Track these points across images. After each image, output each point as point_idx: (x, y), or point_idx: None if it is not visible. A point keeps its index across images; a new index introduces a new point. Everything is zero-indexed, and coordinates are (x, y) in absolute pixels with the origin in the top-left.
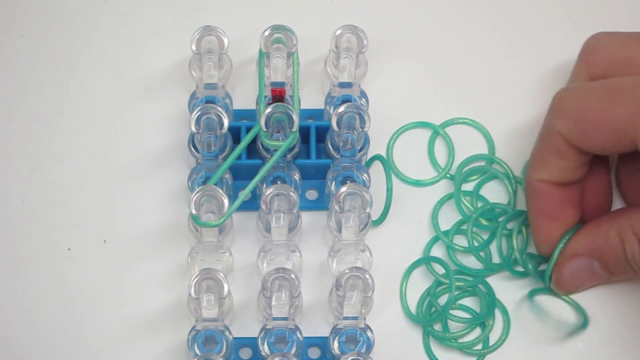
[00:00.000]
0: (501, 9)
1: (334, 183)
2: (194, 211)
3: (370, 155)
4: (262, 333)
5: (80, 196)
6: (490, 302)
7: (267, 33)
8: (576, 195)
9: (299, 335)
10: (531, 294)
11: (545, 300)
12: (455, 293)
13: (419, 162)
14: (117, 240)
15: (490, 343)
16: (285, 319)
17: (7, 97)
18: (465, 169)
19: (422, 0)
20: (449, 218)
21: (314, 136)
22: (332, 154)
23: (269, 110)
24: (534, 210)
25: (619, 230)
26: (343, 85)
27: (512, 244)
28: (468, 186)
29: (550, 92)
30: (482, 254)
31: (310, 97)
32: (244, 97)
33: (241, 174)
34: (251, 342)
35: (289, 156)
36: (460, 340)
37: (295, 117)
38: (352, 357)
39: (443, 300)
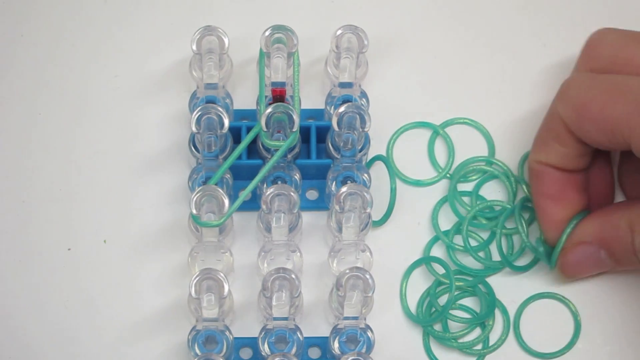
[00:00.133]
0: (501, 9)
1: (334, 183)
2: (194, 211)
3: (370, 155)
4: (263, 333)
5: (80, 196)
6: (490, 302)
7: (267, 33)
8: (579, 181)
9: (299, 335)
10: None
11: (543, 305)
12: (455, 293)
13: (419, 162)
14: (117, 240)
15: (490, 343)
16: (285, 319)
17: (7, 97)
18: (463, 170)
19: (423, 1)
20: (449, 218)
21: (315, 136)
22: (332, 154)
23: (269, 110)
24: (536, 192)
25: (629, 221)
26: (343, 85)
27: (519, 233)
28: (468, 186)
29: (550, 92)
30: (481, 254)
31: (310, 97)
32: (245, 97)
33: (241, 174)
34: (251, 342)
35: (289, 156)
36: (460, 340)
37: (296, 117)
38: (353, 357)
39: (443, 300)
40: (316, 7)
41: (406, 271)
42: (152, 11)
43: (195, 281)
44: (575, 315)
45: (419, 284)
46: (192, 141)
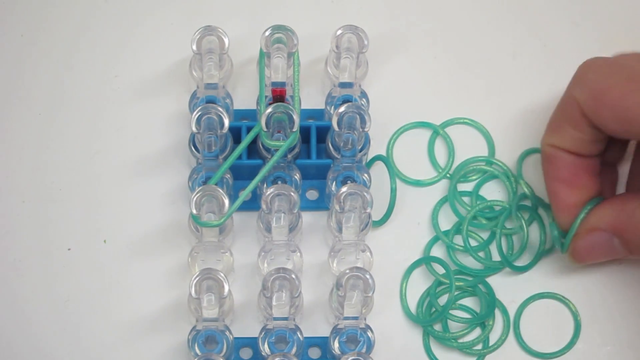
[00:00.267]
0: (501, 10)
1: (334, 183)
2: (194, 211)
3: (370, 155)
4: (263, 333)
5: (80, 196)
6: (490, 302)
7: (267, 33)
8: (592, 166)
9: (299, 335)
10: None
11: (543, 305)
12: (455, 293)
13: (419, 162)
14: (117, 240)
15: (490, 343)
16: (285, 319)
17: (7, 97)
18: (463, 170)
19: (423, 1)
20: (449, 218)
21: (315, 136)
22: (332, 154)
23: (269, 110)
24: (549, 176)
25: None
26: (344, 85)
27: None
28: (468, 186)
29: (550, 92)
30: (481, 254)
31: (310, 97)
32: (245, 97)
33: (242, 174)
34: (251, 342)
35: (289, 156)
36: (460, 340)
37: (296, 117)
38: (353, 357)
39: (443, 300)
40: (316, 7)
41: (406, 271)
42: (152, 11)
43: (195, 281)
44: (575, 315)
45: (419, 284)
46: (192, 141)
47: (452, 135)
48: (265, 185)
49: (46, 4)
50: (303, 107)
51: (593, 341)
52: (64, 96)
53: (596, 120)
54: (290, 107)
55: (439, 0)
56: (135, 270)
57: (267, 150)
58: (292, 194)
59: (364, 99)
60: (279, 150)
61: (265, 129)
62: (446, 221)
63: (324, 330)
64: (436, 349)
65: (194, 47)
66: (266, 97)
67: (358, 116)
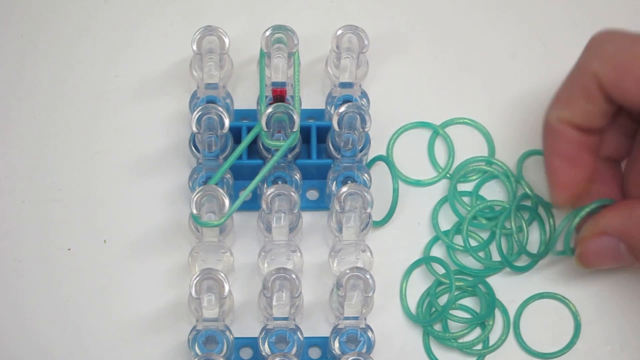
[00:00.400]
0: (501, 10)
1: (334, 183)
2: (194, 211)
3: (370, 155)
4: (263, 333)
5: (80, 196)
6: (490, 302)
7: (268, 33)
8: (595, 144)
9: (299, 335)
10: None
11: (543, 305)
12: (455, 293)
13: (419, 162)
14: (117, 240)
15: (490, 343)
16: (285, 319)
17: (7, 97)
18: (463, 170)
19: (423, 1)
20: (449, 218)
21: (315, 136)
22: (332, 154)
23: (269, 110)
24: (550, 151)
25: None
26: (344, 85)
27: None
28: (468, 186)
29: (551, 92)
30: (481, 254)
31: (311, 97)
32: (245, 97)
33: (242, 174)
34: (252, 342)
35: (289, 156)
36: (460, 340)
37: (296, 117)
38: (353, 357)
39: (443, 300)
40: (317, 7)
41: (406, 271)
42: (152, 11)
43: (195, 281)
44: (575, 315)
45: (419, 284)
46: (193, 141)
47: (452, 135)
48: (265, 185)
49: (46, 4)
50: (303, 107)
51: (593, 341)
52: (64, 96)
53: (617, 93)
54: (291, 107)
55: (439, 0)
56: (135, 270)
57: (268, 150)
58: (293, 194)
59: (364, 99)
60: (280, 150)
61: (265, 129)
62: (446, 221)
63: (324, 330)
64: (436, 349)
65: (195, 47)
66: (266, 97)
67: (358, 116)
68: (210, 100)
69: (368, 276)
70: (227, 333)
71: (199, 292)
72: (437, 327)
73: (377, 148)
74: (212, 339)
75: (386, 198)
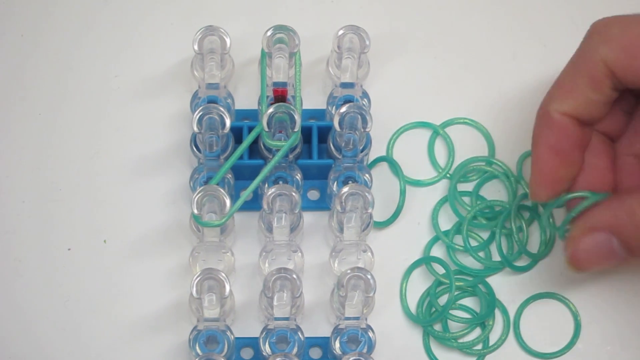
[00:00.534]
0: (501, 10)
1: (335, 183)
2: (195, 211)
3: (370, 154)
4: (264, 333)
5: (80, 196)
6: (490, 302)
7: (269, 33)
8: (587, 140)
9: (300, 336)
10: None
11: (543, 305)
12: (455, 293)
13: (419, 162)
14: (117, 240)
15: (490, 343)
16: (286, 319)
17: (7, 97)
18: (463, 170)
19: (423, 1)
20: (449, 218)
21: (316, 136)
22: (334, 154)
23: (271, 110)
24: (544, 144)
25: None
26: (345, 85)
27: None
28: (468, 186)
29: None
30: (481, 254)
31: (312, 97)
32: (246, 97)
33: (243, 174)
34: (253, 342)
35: (290, 156)
36: (460, 340)
37: (297, 117)
38: (354, 357)
39: (443, 300)
40: (318, 8)
41: (406, 271)
42: (153, 11)
43: (196, 281)
44: (575, 315)
45: (419, 284)
46: (194, 141)
47: (452, 135)
48: (266, 185)
49: (46, 4)
50: (304, 107)
51: (593, 341)
52: (65, 96)
53: (628, 74)
54: (292, 107)
55: (440, 0)
56: (135, 270)
57: (269, 150)
58: (294, 194)
59: (365, 99)
60: (281, 151)
61: (266, 129)
62: (446, 221)
63: (325, 331)
64: (436, 349)
65: (196, 47)
66: (268, 97)
67: (359, 116)
68: (212, 100)
69: (369, 276)
70: (228, 333)
71: (200, 292)
72: (437, 327)
73: (377, 148)
74: (213, 339)
75: (387, 198)
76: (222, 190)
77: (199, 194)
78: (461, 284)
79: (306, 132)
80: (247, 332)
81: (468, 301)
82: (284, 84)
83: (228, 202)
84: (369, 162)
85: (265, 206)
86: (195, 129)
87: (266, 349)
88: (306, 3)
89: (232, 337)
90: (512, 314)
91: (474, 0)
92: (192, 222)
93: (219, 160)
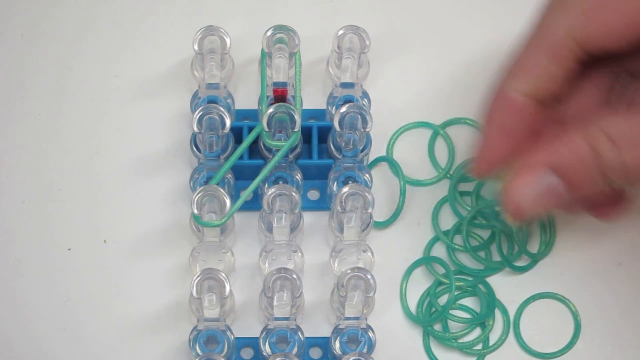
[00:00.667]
0: (501, 10)
1: (335, 183)
2: (195, 211)
3: (370, 154)
4: (264, 333)
5: (80, 196)
6: (490, 302)
7: (269, 33)
8: (542, 122)
9: (300, 336)
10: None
11: (543, 305)
12: (455, 293)
13: (419, 162)
14: (117, 240)
15: (490, 343)
16: (286, 319)
17: (7, 97)
18: (463, 170)
19: (423, 1)
20: (449, 218)
21: (316, 136)
22: (334, 154)
23: (271, 110)
24: (497, 124)
25: (588, 136)
26: (345, 85)
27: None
28: (468, 186)
29: None
30: (481, 254)
31: (312, 97)
32: (246, 97)
33: (243, 174)
34: (253, 342)
35: (290, 156)
36: (460, 340)
37: (297, 117)
38: (354, 358)
39: (443, 300)
40: (318, 8)
41: (406, 271)
42: (153, 11)
43: (196, 281)
44: (575, 315)
45: (419, 284)
46: (194, 141)
47: (452, 135)
48: (266, 185)
49: (46, 4)
50: (304, 107)
51: (593, 341)
52: (65, 96)
53: (598, 35)
54: (292, 107)
55: (440, 0)
56: (135, 270)
57: (269, 150)
58: (294, 194)
59: (365, 99)
60: (281, 151)
61: (266, 129)
62: (446, 221)
63: (325, 331)
64: (436, 349)
65: (196, 47)
66: (268, 97)
67: (359, 116)
68: (212, 100)
69: (369, 276)
70: (228, 333)
71: (200, 292)
72: (437, 327)
73: (377, 148)
74: (213, 339)
75: (387, 198)
76: (222, 190)
77: (199, 194)
78: (461, 284)
79: (306, 132)
80: (247, 332)
81: (468, 301)
82: (284, 84)
83: (228, 202)
84: (369, 162)
85: (265, 206)
86: (195, 129)
87: (266, 349)
88: (306, 3)
89: (232, 337)
90: (512, 314)
91: (474, 0)
92: (192, 222)
93: (219, 160)
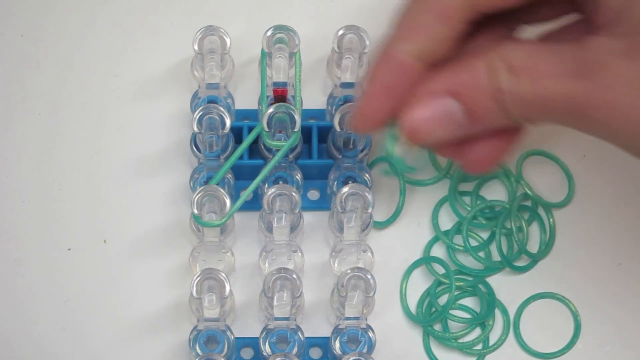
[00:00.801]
0: None
1: (335, 183)
2: (195, 211)
3: (370, 154)
4: (264, 333)
5: (80, 196)
6: (490, 302)
7: (269, 33)
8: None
9: (300, 336)
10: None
11: (543, 305)
12: (455, 293)
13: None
14: (118, 240)
15: (490, 343)
16: (286, 319)
17: (7, 97)
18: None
19: None
20: (449, 218)
21: (316, 136)
22: (334, 154)
23: (271, 110)
24: (381, 82)
25: (487, 61)
26: (345, 85)
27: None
28: (468, 186)
29: None
30: (481, 254)
31: (312, 97)
32: (246, 97)
33: (243, 174)
34: (253, 342)
35: (290, 156)
36: (460, 340)
37: (297, 117)
38: (354, 358)
39: (443, 300)
40: (318, 8)
41: (406, 271)
42: (153, 11)
43: (196, 281)
44: (575, 315)
45: (419, 284)
46: (194, 141)
47: None
48: (266, 185)
49: (46, 4)
50: (304, 107)
51: (593, 341)
52: (65, 96)
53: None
54: (292, 107)
55: None
56: (135, 270)
57: (269, 150)
58: (294, 194)
59: None
60: (281, 150)
61: (266, 129)
62: (446, 221)
63: (325, 331)
64: (436, 349)
65: (196, 47)
66: (268, 97)
67: None
68: (212, 100)
69: (369, 276)
70: (228, 333)
71: (200, 292)
72: (437, 327)
73: (377, 148)
74: (213, 339)
75: (387, 198)
76: (222, 190)
77: (199, 194)
78: (461, 284)
79: (306, 132)
80: (247, 332)
81: (468, 301)
82: (284, 84)
83: (228, 202)
84: (369, 162)
85: (265, 206)
86: (195, 129)
87: (266, 349)
88: (306, 3)
89: (232, 337)
90: (512, 314)
91: None
92: (192, 222)
93: (219, 160)
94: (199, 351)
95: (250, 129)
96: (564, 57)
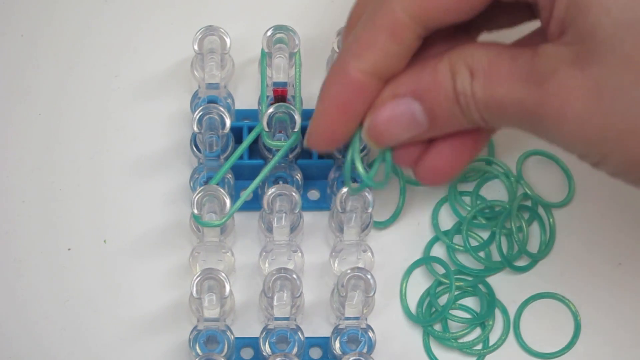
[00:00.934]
0: None
1: (335, 183)
2: (195, 211)
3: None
4: (264, 333)
5: (80, 196)
6: (490, 302)
7: (269, 33)
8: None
9: (300, 336)
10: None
11: (543, 305)
12: (455, 293)
13: None
14: (118, 240)
15: (490, 343)
16: (286, 319)
17: (7, 97)
18: (463, 170)
19: None
20: (449, 218)
21: None
22: (334, 154)
23: (271, 110)
24: (334, 100)
25: (449, 63)
26: None
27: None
28: (468, 186)
29: None
30: (481, 254)
31: (312, 97)
32: (246, 97)
33: (243, 174)
34: (253, 342)
35: (290, 156)
36: (460, 340)
37: (298, 117)
38: (354, 358)
39: (443, 300)
40: (318, 8)
41: (406, 271)
42: (153, 11)
43: (196, 281)
44: (575, 315)
45: (419, 284)
46: (194, 141)
47: None
48: (266, 185)
49: (46, 4)
50: (304, 107)
51: (593, 341)
52: (65, 96)
53: (431, 11)
54: (292, 107)
55: None
56: (135, 270)
57: (269, 150)
58: (294, 194)
59: None
60: (281, 151)
61: (266, 129)
62: (446, 221)
63: (325, 331)
64: (436, 349)
65: (196, 47)
66: (268, 97)
67: None
68: (212, 100)
69: (369, 276)
70: (228, 333)
71: (200, 292)
72: (437, 327)
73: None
74: (213, 339)
75: (387, 198)
76: (222, 190)
77: (199, 194)
78: (461, 284)
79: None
80: (247, 332)
81: (468, 301)
82: (284, 84)
83: (228, 202)
84: (369, 162)
85: (265, 206)
86: (195, 129)
87: (266, 349)
88: (306, 3)
89: (232, 337)
90: (512, 314)
91: None
92: (192, 222)
93: (219, 160)
94: (199, 351)
95: (250, 129)
96: (520, 62)
